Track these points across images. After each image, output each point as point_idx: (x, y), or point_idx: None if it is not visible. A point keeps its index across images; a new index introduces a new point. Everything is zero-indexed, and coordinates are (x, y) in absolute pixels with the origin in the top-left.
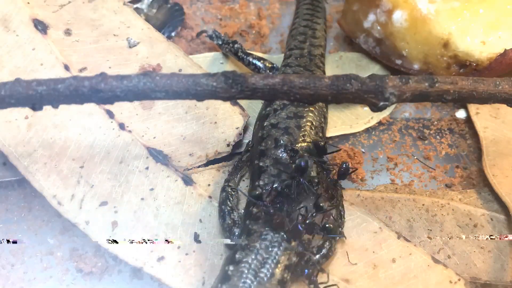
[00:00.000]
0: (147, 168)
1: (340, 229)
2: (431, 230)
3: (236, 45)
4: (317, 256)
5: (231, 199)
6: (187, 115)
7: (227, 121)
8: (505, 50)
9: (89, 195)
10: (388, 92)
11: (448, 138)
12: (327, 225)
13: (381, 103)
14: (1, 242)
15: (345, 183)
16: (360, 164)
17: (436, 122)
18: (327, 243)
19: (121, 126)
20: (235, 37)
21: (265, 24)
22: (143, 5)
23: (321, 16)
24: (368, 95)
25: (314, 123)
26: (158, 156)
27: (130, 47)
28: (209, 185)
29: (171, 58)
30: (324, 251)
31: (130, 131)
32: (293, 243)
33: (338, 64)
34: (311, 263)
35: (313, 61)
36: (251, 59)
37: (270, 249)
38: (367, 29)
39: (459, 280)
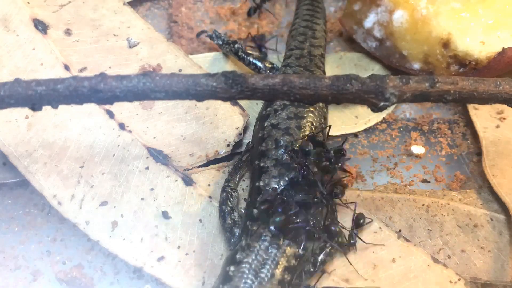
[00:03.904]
0: (147, 168)
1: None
2: (431, 230)
3: (236, 45)
4: (321, 256)
5: (231, 199)
6: (187, 115)
7: (227, 121)
8: (504, 48)
9: (89, 195)
10: (389, 92)
11: (448, 138)
12: (332, 228)
13: (382, 104)
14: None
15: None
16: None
17: (436, 122)
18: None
19: (121, 126)
20: (235, 37)
21: (265, 24)
22: None
23: (321, 16)
24: (369, 95)
25: (314, 123)
26: (158, 156)
27: (130, 47)
28: (209, 185)
29: (171, 58)
30: (327, 250)
31: (130, 131)
32: (291, 248)
33: (338, 64)
34: (318, 262)
35: (313, 61)
36: (251, 59)
37: (270, 250)
38: (367, 29)
39: (459, 280)
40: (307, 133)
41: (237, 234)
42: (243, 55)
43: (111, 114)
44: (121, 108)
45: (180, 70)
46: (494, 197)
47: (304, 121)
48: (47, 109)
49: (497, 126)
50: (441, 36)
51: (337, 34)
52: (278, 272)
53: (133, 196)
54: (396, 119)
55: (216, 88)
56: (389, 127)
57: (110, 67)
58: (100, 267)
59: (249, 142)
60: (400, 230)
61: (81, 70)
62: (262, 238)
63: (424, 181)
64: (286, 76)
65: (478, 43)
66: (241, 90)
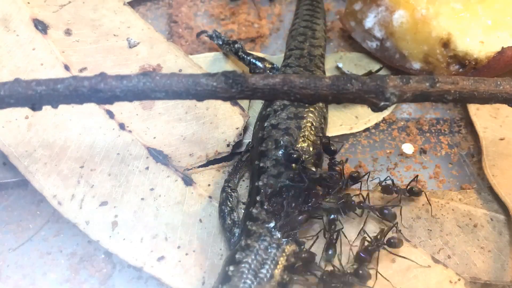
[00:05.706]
0: (147, 168)
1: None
2: (431, 230)
3: (236, 45)
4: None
5: (231, 199)
6: (187, 115)
7: (227, 121)
8: (503, 48)
9: (89, 195)
10: (389, 92)
11: (448, 138)
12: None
13: (382, 103)
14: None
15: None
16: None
17: (436, 122)
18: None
19: (121, 126)
20: (235, 37)
21: (265, 24)
22: None
23: (320, 16)
24: (369, 95)
25: (314, 123)
26: (158, 156)
27: (130, 47)
28: (209, 185)
29: (171, 58)
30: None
31: (130, 131)
32: (290, 247)
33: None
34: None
35: (313, 61)
36: (251, 59)
37: (269, 250)
38: (368, 29)
39: (459, 280)
40: (307, 133)
41: (237, 234)
42: (243, 55)
43: (111, 114)
44: (121, 108)
45: (180, 70)
46: (494, 197)
47: (304, 121)
48: (47, 109)
49: (497, 126)
50: (441, 36)
51: (337, 34)
52: (277, 272)
53: (133, 196)
54: (396, 119)
55: (216, 88)
56: (389, 127)
57: (110, 67)
58: (100, 267)
59: (249, 142)
60: (400, 230)
61: (81, 70)
62: (262, 238)
63: (424, 181)
64: (286, 76)
65: (478, 43)
66: (241, 90)
